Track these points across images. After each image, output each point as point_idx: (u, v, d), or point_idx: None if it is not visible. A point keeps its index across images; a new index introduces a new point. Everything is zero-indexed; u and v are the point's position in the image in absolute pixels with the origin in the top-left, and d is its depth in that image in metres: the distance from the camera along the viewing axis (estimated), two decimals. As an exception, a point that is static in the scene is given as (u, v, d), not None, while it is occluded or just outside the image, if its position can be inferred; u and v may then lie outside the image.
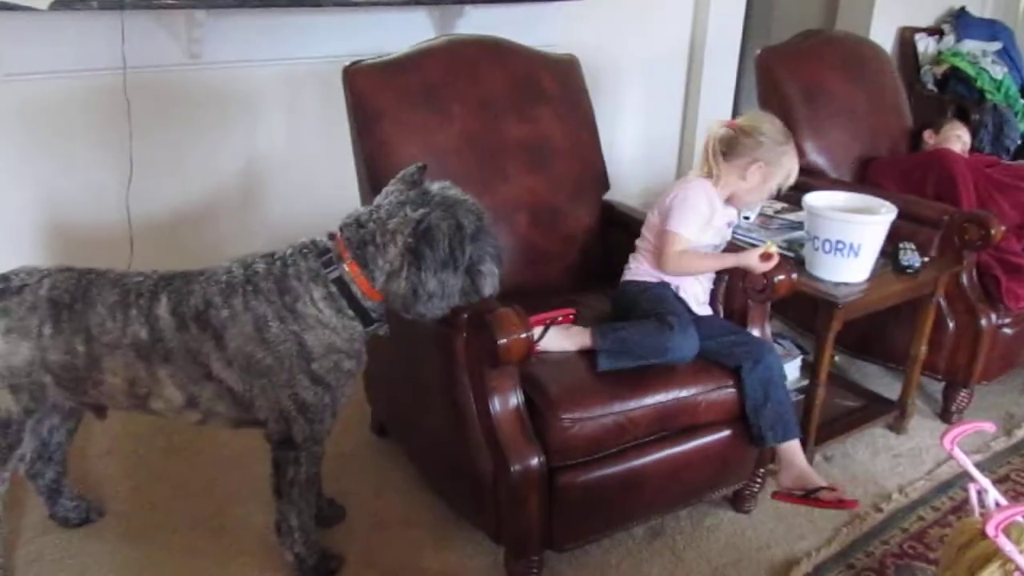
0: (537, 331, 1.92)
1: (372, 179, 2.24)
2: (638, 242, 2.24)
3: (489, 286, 1.81)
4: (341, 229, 1.82)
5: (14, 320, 1.76)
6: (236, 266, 1.82)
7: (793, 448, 2.10)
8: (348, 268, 1.77)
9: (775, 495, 2.15)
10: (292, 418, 1.82)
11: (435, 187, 1.81)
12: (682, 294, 2.15)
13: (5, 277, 1.81)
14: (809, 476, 2.09)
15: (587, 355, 1.97)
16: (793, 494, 2.10)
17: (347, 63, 2.25)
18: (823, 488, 2.06)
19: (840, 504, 2.05)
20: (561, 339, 1.98)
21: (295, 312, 1.75)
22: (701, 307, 2.18)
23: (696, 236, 2.12)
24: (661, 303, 2.06)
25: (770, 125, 2.19)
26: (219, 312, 1.76)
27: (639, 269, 2.20)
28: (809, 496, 2.07)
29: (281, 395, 1.80)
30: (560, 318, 2.00)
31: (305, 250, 1.81)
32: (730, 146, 2.16)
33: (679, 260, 2.11)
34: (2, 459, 1.84)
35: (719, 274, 2.21)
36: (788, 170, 2.19)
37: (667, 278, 2.15)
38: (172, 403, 1.83)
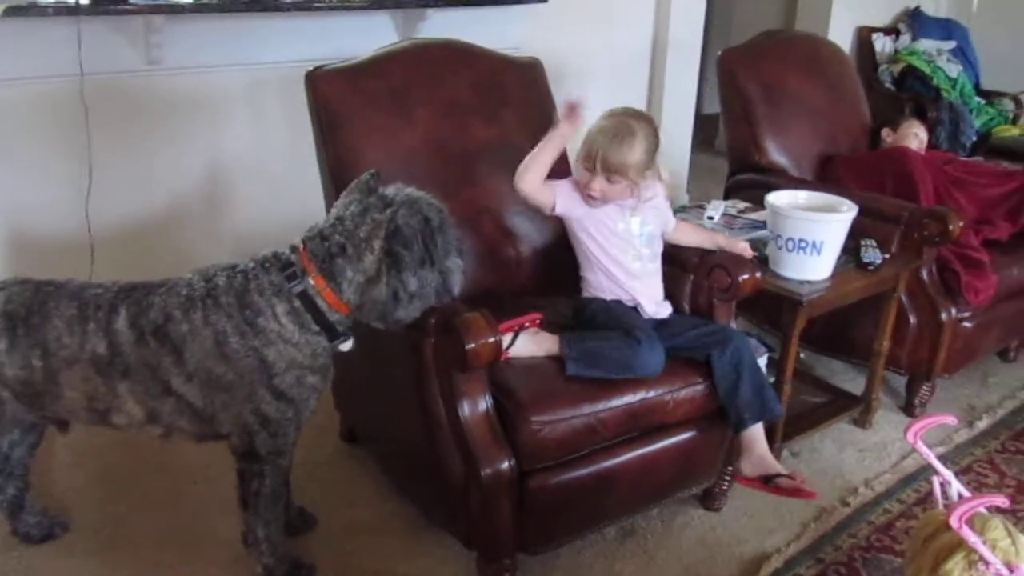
0: (507, 338, 1.92)
1: (337, 184, 2.22)
2: None
3: (457, 282, 1.81)
4: (304, 242, 1.80)
5: None
6: (197, 279, 1.79)
7: (754, 434, 2.08)
8: (313, 281, 1.75)
9: (736, 477, 2.17)
10: (255, 432, 1.80)
11: (391, 190, 1.80)
12: (637, 304, 2.14)
13: None
14: (768, 462, 2.08)
15: (556, 359, 1.97)
16: (752, 479, 2.10)
17: (310, 67, 2.24)
18: (782, 476, 2.05)
19: (797, 492, 2.04)
20: (530, 345, 1.98)
21: (256, 327, 1.72)
22: (660, 307, 2.17)
23: (561, 202, 2.11)
24: (624, 318, 2.05)
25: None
26: (179, 327, 1.73)
27: (587, 283, 2.20)
28: (768, 482, 2.06)
29: (243, 410, 1.77)
30: (527, 324, 2.00)
31: (267, 263, 1.78)
32: None
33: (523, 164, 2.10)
34: None
35: (683, 272, 2.22)
36: (586, 146, 2.08)
37: (618, 293, 2.14)
38: (133, 418, 1.80)
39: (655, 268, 2.19)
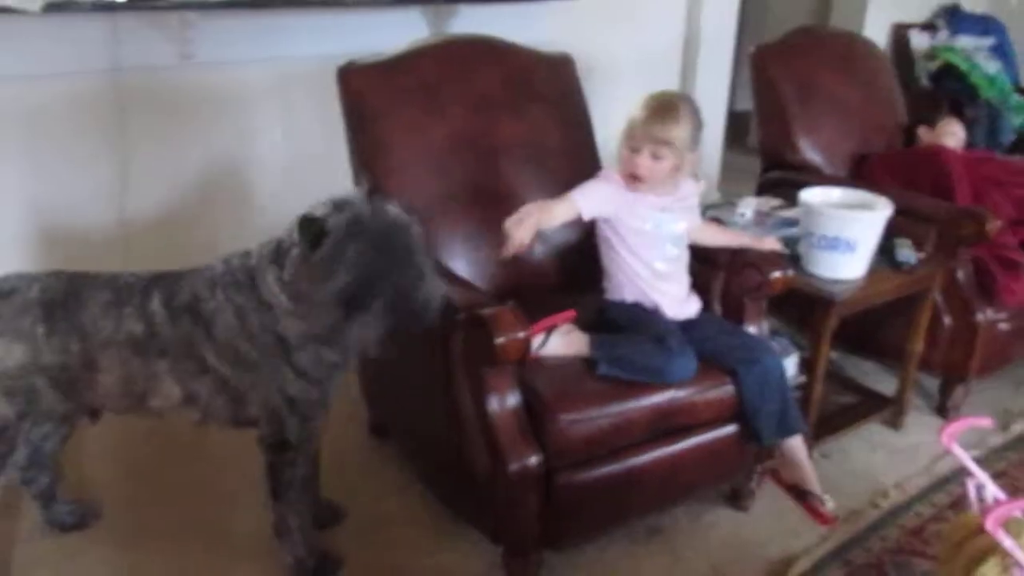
0: (539, 339, 1.92)
1: (367, 178, 2.23)
2: None
3: (422, 304, 1.71)
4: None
5: (5, 323, 1.75)
6: (218, 262, 1.86)
7: (795, 446, 2.11)
8: None
9: (773, 476, 2.21)
10: (285, 417, 1.82)
11: (358, 201, 1.79)
12: (658, 306, 2.11)
13: None
14: (804, 476, 2.14)
15: (585, 357, 1.97)
16: (787, 486, 2.19)
17: (341, 63, 2.25)
18: (813, 495, 2.14)
19: (814, 515, 2.15)
20: (561, 345, 1.98)
21: (264, 303, 1.77)
22: (684, 305, 2.15)
23: (588, 206, 2.07)
24: (651, 324, 2.04)
25: None
26: (207, 304, 1.79)
27: (610, 282, 2.18)
28: (799, 495, 2.16)
29: (270, 391, 1.80)
30: (561, 323, 1.99)
31: (267, 246, 1.85)
32: None
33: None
34: None
35: (714, 271, 2.21)
36: (632, 125, 2.06)
37: (638, 296, 2.12)
38: (171, 399, 1.83)
39: (682, 267, 2.18)
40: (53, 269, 1.88)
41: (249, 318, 1.77)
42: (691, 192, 2.18)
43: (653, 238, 2.11)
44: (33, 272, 1.86)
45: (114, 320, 1.77)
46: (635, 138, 2.04)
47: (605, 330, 2.07)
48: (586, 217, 2.10)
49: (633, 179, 2.07)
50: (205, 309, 1.78)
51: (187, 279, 1.83)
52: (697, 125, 2.09)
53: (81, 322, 1.77)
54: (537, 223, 1.95)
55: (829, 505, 2.14)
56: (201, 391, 1.82)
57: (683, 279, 2.18)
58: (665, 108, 2.04)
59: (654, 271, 2.12)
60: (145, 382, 1.81)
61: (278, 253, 1.78)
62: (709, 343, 2.05)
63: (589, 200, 2.08)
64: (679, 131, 2.03)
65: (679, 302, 2.14)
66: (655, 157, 2.04)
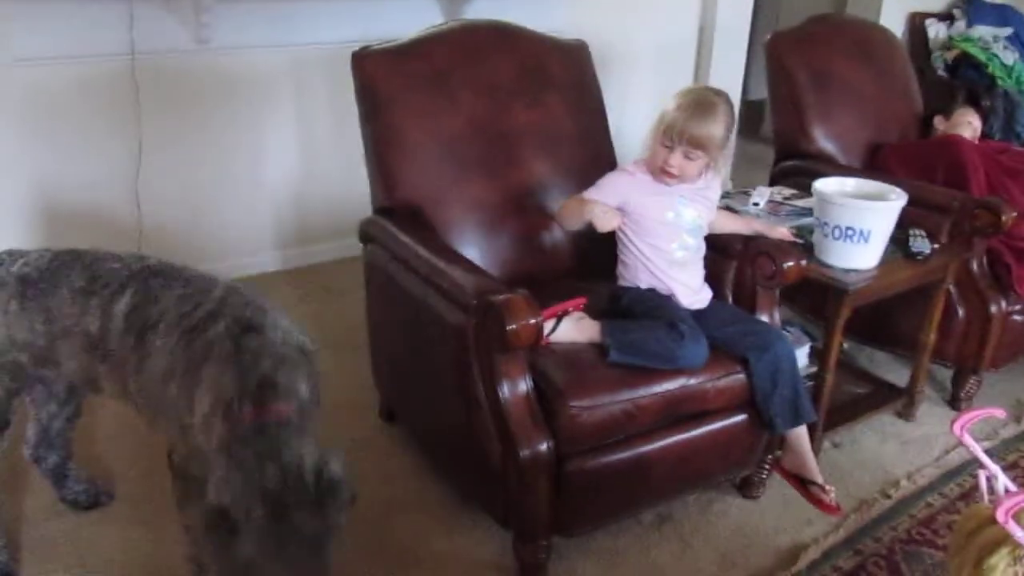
0: (549, 324, 1.92)
1: (380, 164, 2.24)
2: None
3: None
4: None
5: None
6: (219, 291, 1.66)
7: (799, 434, 2.11)
8: None
9: (776, 466, 2.21)
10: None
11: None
12: (672, 293, 2.11)
13: None
14: (807, 466, 2.15)
15: (596, 345, 1.97)
16: (789, 475, 2.20)
17: (356, 48, 2.25)
18: (816, 484, 2.13)
19: (818, 504, 2.14)
20: (572, 331, 1.98)
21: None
22: (697, 295, 2.15)
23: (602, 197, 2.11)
24: (663, 309, 2.04)
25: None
26: (155, 339, 1.61)
27: (624, 269, 2.18)
28: (802, 483, 2.16)
29: (172, 425, 1.65)
30: (571, 309, 1.99)
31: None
32: None
33: (561, 204, 2.21)
34: None
35: (726, 259, 2.21)
36: (671, 121, 2.03)
37: (653, 283, 2.12)
38: (115, 394, 1.77)
39: (698, 257, 2.18)
40: (46, 247, 1.86)
41: (173, 379, 1.58)
42: (712, 183, 2.17)
43: (672, 227, 2.11)
44: (26, 248, 1.84)
45: (79, 310, 1.69)
46: (670, 136, 2.03)
47: (618, 317, 2.07)
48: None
49: (663, 174, 2.08)
50: (151, 341, 1.61)
51: (173, 293, 1.65)
52: (731, 123, 2.09)
53: (48, 304, 1.72)
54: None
55: (832, 495, 2.14)
56: (131, 400, 1.74)
57: (699, 269, 2.18)
58: (704, 109, 2.02)
59: (671, 260, 2.12)
60: (95, 375, 1.75)
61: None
62: (720, 331, 2.05)
63: (608, 197, 2.11)
64: (716, 132, 2.03)
65: (693, 291, 2.14)
66: (688, 157, 2.04)
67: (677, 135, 2.02)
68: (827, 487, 2.13)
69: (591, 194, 2.12)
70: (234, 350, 1.52)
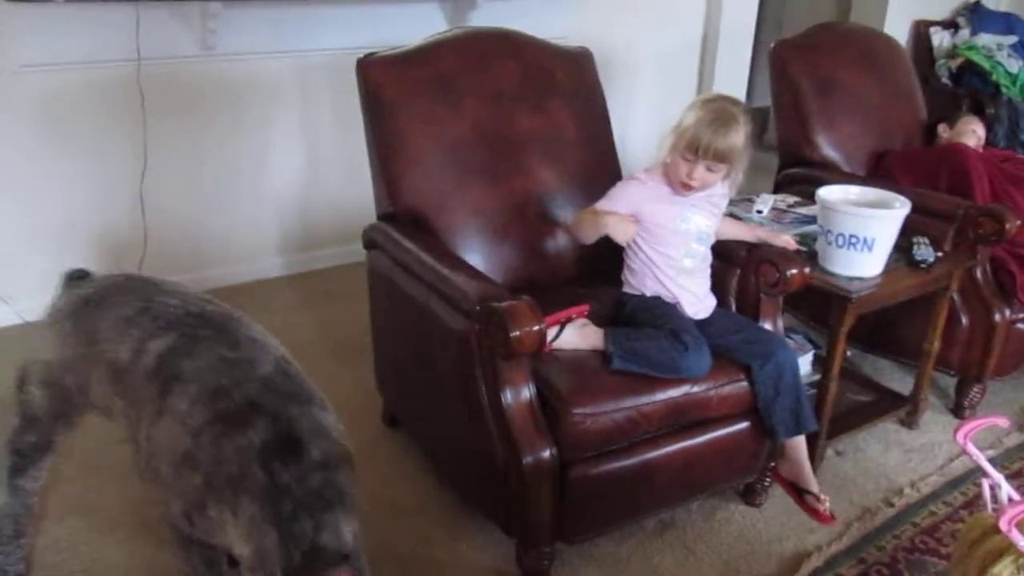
0: (552, 331, 1.93)
1: (384, 170, 2.24)
2: None
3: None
4: None
5: (53, 313, 1.73)
6: (265, 369, 1.47)
7: (797, 443, 2.12)
8: None
9: (773, 473, 2.22)
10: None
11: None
12: (678, 302, 2.11)
13: (85, 279, 1.79)
14: (803, 475, 2.15)
15: (599, 351, 1.97)
16: (785, 483, 2.20)
17: (361, 55, 2.26)
18: (811, 493, 2.13)
19: (813, 513, 2.13)
20: (575, 338, 1.98)
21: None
22: (702, 303, 2.15)
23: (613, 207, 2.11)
24: (668, 318, 2.04)
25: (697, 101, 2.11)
26: (180, 400, 1.44)
27: (631, 275, 2.18)
28: (798, 492, 2.16)
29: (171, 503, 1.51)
30: (575, 316, 2.00)
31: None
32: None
33: (574, 217, 2.21)
34: (28, 458, 1.81)
35: (730, 267, 2.21)
36: (693, 135, 2.00)
37: (659, 290, 2.12)
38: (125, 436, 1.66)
39: (705, 265, 2.18)
40: (129, 272, 1.82)
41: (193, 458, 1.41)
42: (721, 191, 2.18)
43: (683, 235, 2.11)
44: (123, 274, 1.79)
45: (117, 336, 1.58)
46: (693, 151, 2.00)
47: (622, 323, 2.08)
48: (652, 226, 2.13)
49: (684, 187, 2.07)
50: (174, 400, 1.44)
51: (213, 354, 1.48)
52: (751, 133, 2.07)
53: (95, 327, 1.63)
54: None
55: (827, 504, 2.13)
56: (136, 448, 1.59)
57: (705, 278, 2.18)
58: (726, 121, 2.00)
59: (680, 268, 2.12)
60: (112, 406, 1.64)
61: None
62: (723, 338, 2.05)
63: (616, 208, 2.11)
64: (738, 143, 2.02)
65: (699, 299, 2.14)
66: (711, 170, 2.04)
67: (703, 150, 2.00)
68: (822, 496, 2.13)
69: (603, 205, 2.12)
70: (271, 487, 1.35)
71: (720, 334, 2.06)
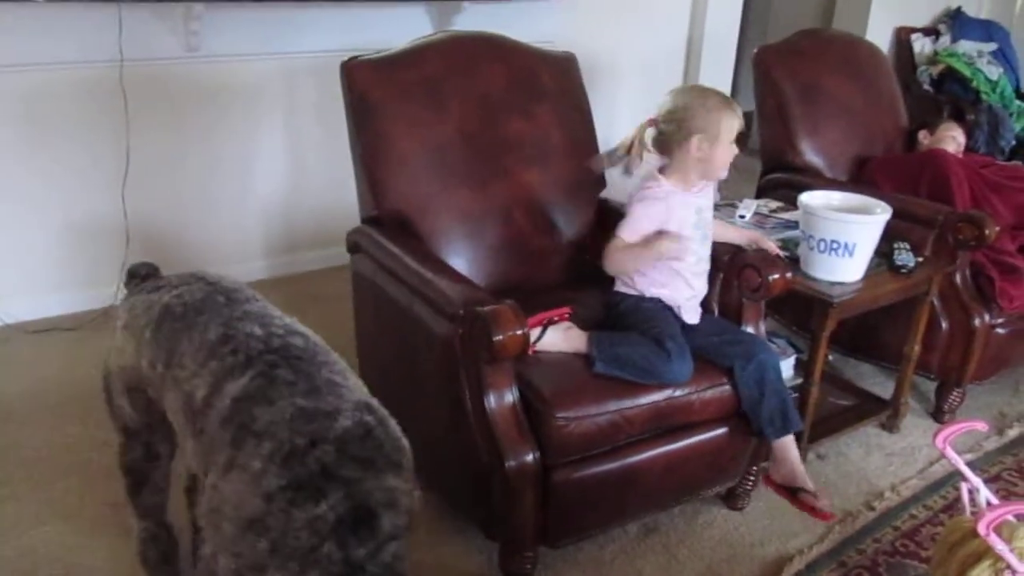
0: (535, 332, 1.93)
1: (368, 173, 2.24)
2: None
3: None
4: None
5: (131, 316, 1.62)
6: (343, 422, 1.37)
7: (786, 444, 2.12)
8: None
9: (765, 478, 2.21)
10: None
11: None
12: (679, 305, 2.12)
13: (155, 276, 1.71)
14: (796, 475, 2.13)
15: (582, 354, 1.98)
16: (778, 487, 2.18)
17: (345, 57, 2.26)
18: (806, 491, 2.12)
19: (812, 512, 2.12)
20: (558, 340, 1.99)
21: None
22: (694, 313, 2.16)
23: (634, 237, 2.09)
24: (655, 322, 2.04)
25: (683, 96, 2.11)
26: (250, 457, 1.33)
27: (628, 282, 2.16)
28: (793, 493, 2.14)
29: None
30: (556, 318, 2.00)
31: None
32: (662, 141, 2.11)
33: (610, 259, 2.10)
34: (141, 474, 1.72)
35: (712, 271, 2.22)
36: (728, 123, 2.07)
37: (656, 291, 2.12)
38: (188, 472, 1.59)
39: (706, 268, 2.18)
40: (213, 275, 1.70)
41: (264, 522, 1.30)
42: (709, 190, 2.20)
43: (700, 232, 2.13)
44: (200, 276, 1.69)
45: (195, 368, 1.47)
46: (731, 132, 2.07)
47: (610, 325, 2.08)
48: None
49: (704, 173, 2.11)
50: (245, 454, 1.33)
51: (288, 402, 1.37)
52: None
53: (175, 348, 1.51)
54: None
55: (824, 501, 2.14)
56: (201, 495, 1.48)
57: (705, 282, 2.18)
58: (731, 102, 2.11)
59: (692, 271, 2.13)
60: (185, 444, 1.54)
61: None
62: (706, 340, 2.06)
63: (645, 230, 2.09)
64: None
65: (698, 299, 2.16)
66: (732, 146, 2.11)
67: (736, 131, 2.09)
68: (818, 494, 2.13)
69: (629, 234, 2.07)
70: (344, 563, 1.26)
71: (702, 336, 2.07)
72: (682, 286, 2.13)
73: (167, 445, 1.72)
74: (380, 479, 1.35)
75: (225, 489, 1.35)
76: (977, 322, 2.61)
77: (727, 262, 2.21)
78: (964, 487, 1.71)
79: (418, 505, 1.42)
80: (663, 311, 2.10)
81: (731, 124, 2.06)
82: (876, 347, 2.78)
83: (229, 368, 1.43)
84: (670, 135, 2.08)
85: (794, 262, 2.37)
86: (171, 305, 1.57)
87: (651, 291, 2.13)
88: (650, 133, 2.12)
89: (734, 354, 2.04)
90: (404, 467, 1.42)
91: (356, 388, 1.50)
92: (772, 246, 2.29)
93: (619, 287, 2.18)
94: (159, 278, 1.70)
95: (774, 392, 2.03)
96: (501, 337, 1.74)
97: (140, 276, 1.75)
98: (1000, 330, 2.68)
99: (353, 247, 2.30)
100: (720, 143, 2.06)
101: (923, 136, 3.24)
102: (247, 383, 1.40)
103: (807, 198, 2.38)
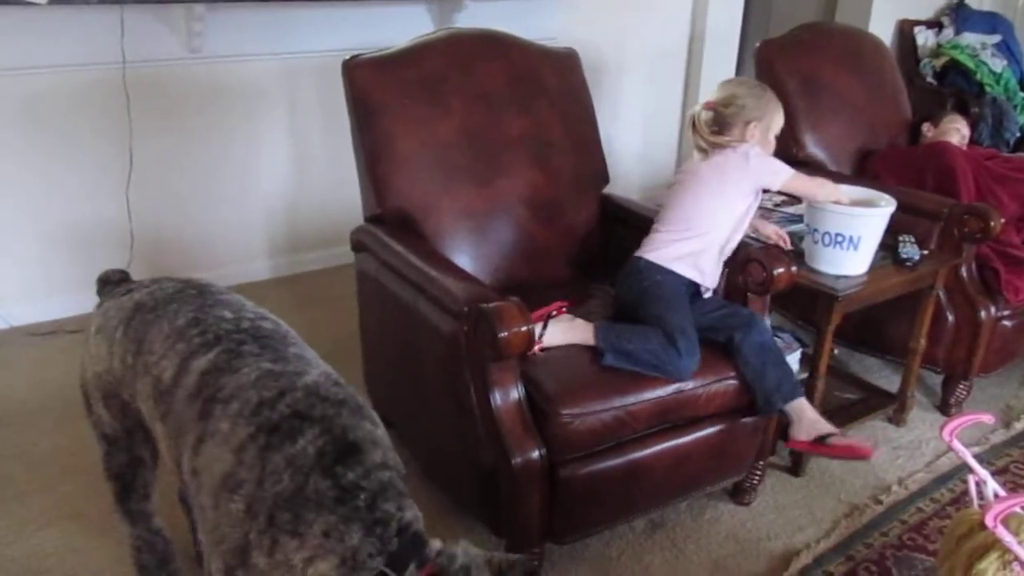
0: (538, 328, 1.93)
1: (371, 172, 2.24)
2: (658, 224, 2.21)
3: None
4: None
5: (104, 320, 1.61)
6: (311, 377, 1.34)
7: (801, 404, 2.08)
8: None
9: (787, 443, 2.13)
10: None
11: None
12: (697, 278, 2.13)
13: (127, 281, 1.70)
14: (820, 424, 2.07)
15: (588, 349, 1.98)
16: (807, 445, 2.09)
17: (347, 57, 2.26)
18: (833, 434, 2.05)
19: (850, 450, 2.02)
20: (564, 334, 1.99)
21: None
22: (709, 291, 2.19)
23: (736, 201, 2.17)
24: (669, 304, 2.04)
25: (742, 87, 2.24)
26: (220, 421, 1.31)
27: (657, 252, 2.14)
28: (821, 442, 2.05)
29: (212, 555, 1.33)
30: (555, 312, 2.00)
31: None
32: (720, 123, 2.19)
33: (824, 187, 2.28)
34: (128, 479, 1.71)
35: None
36: (779, 117, 2.25)
37: (679, 268, 2.12)
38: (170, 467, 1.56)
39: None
40: (188, 278, 1.68)
41: (240, 489, 1.25)
42: None
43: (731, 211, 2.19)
44: (174, 278, 1.67)
45: (162, 350, 1.46)
46: (778, 126, 2.25)
47: (628, 302, 2.10)
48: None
49: None
50: (215, 419, 1.30)
51: (255, 366, 1.35)
52: None
53: (144, 336, 1.51)
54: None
55: (858, 436, 2.09)
56: (183, 481, 1.46)
57: (719, 264, 2.22)
58: (768, 90, 2.25)
59: (722, 257, 2.19)
60: (154, 430, 1.53)
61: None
62: (704, 317, 2.07)
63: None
64: None
65: (713, 283, 2.19)
66: None
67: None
68: (846, 433, 2.08)
69: (789, 169, 2.21)
70: (338, 489, 1.22)
71: (702, 314, 2.08)
72: (717, 271, 2.17)
73: (149, 450, 1.69)
74: (358, 419, 1.30)
75: (199, 466, 1.31)
76: (983, 315, 2.61)
77: (732, 255, 2.20)
78: (971, 480, 1.71)
79: (402, 468, 1.38)
80: (683, 292, 2.11)
81: (780, 119, 2.25)
82: (882, 341, 2.78)
83: (197, 347, 1.41)
84: (729, 117, 2.18)
85: (799, 256, 2.36)
86: (142, 300, 1.57)
87: (689, 273, 2.13)
88: (705, 115, 2.20)
89: (733, 324, 2.05)
90: (381, 427, 1.40)
91: (324, 364, 1.46)
92: (773, 229, 2.30)
93: (647, 254, 2.16)
94: (131, 282, 1.70)
95: (776, 359, 2.04)
96: (506, 334, 1.74)
97: (113, 282, 1.73)
98: (1006, 322, 2.67)
99: (357, 246, 2.30)
100: (770, 132, 2.21)
101: (927, 129, 3.24)
102: (214, 357, 1.38)
103: (811, 192, 2.37)
